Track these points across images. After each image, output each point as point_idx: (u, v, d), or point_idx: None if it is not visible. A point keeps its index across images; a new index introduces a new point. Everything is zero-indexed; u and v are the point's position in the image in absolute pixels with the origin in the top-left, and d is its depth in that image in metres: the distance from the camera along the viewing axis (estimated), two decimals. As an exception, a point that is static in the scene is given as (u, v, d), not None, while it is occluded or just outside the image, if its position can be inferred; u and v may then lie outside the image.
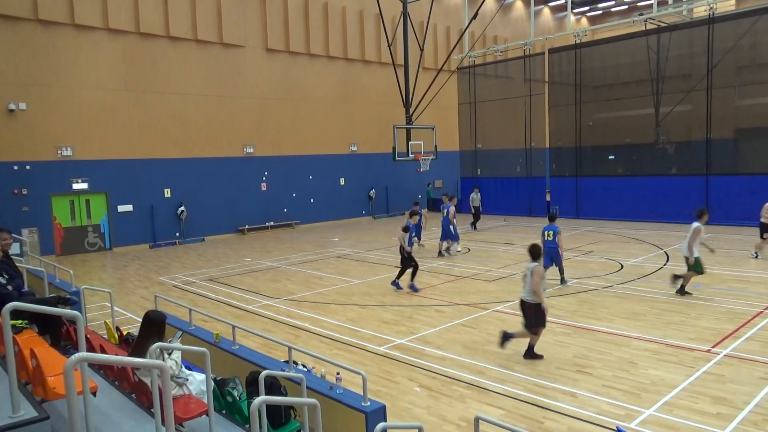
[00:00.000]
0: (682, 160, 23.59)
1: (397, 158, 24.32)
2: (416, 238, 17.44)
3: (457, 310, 11.00)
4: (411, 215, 14.67)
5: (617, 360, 8.00)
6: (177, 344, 5.11)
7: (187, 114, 22.78)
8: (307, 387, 5.39)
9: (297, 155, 26.35)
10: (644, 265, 14.59)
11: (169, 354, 4.89)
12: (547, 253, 11.47)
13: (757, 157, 22.52)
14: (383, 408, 5.44)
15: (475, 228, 22.60)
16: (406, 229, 12.88)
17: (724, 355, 7.99)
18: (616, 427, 5.86)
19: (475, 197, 22.74)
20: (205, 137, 23.36)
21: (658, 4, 23.23)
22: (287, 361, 6.39)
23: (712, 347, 8.30)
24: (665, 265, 14.47)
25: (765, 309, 10.16)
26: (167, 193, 22.45)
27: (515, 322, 10.05)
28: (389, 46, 25.37)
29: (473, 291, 12.55)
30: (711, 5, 21.53)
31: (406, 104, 25.35)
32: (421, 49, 25.55)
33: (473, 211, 22.81)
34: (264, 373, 5.04)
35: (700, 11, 24.31)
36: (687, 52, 23.10)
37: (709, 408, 6.40)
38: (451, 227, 16.77)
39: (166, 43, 22.07)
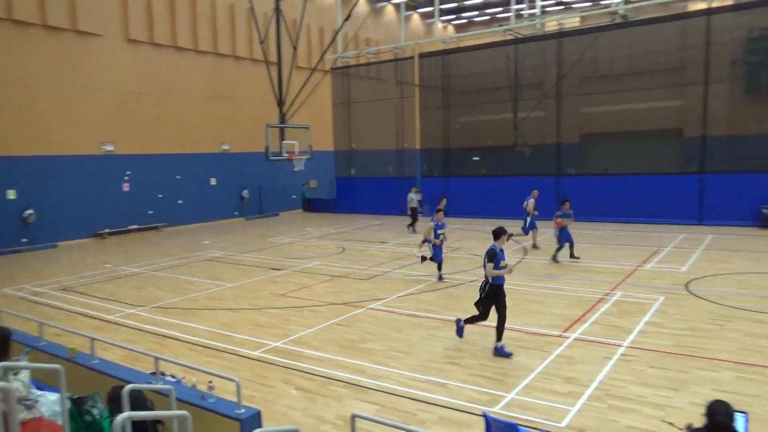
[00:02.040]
0: (537, 162, 25.67)
1: (270, 158, 23.90)
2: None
3: (333, 310, 11.08)
4: (496, 237, 8.69)
5: (482, 349, 8.53)
6: (24, 362, 4.64)
7: (35, 107, 20.57)
8: (177, 398, 5.14)
9: (163, 153, 24.91)
10: (505, 259, 15.64)
11: (15, 374, 4.43)
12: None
13: (599, 159, 25.20)
14: (258, 414, 5.34)
15: (413, 231, 21.37)
16: (492, 256, 8.40)
17: (574, 339, 8.85)
18: (483, 413, 6.25)
19: (414, 197, 21.73)
20: (57, 133, 21.28)
21: (516, 17, 25.06)
22: (154, 373, 6.05)
23: (563, 332, 9.15)
24: (523, 259, 15.67)
25: (605, 295, 11.39)
26: (11, 194, 20.13)
27: (389, 318, 10.36)
28: (261, 43, 24.85)
29: (348, 290, 12.71)
30: (560, 21, 23.69)
31: (280, 103, 25.01)
32: (294, 48, 25.34)
33: (410, 212, 21.92)
34: (128, 387, 4.73)
35: (552, 25, 26.58)
36: (540, 63, 25.19)
37: (561, 388, 7.05)
38: (529, 218, 16.78)
39: (9, 27, 19.74)
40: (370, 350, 8.69)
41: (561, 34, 23.58)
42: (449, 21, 44.08)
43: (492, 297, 8.39)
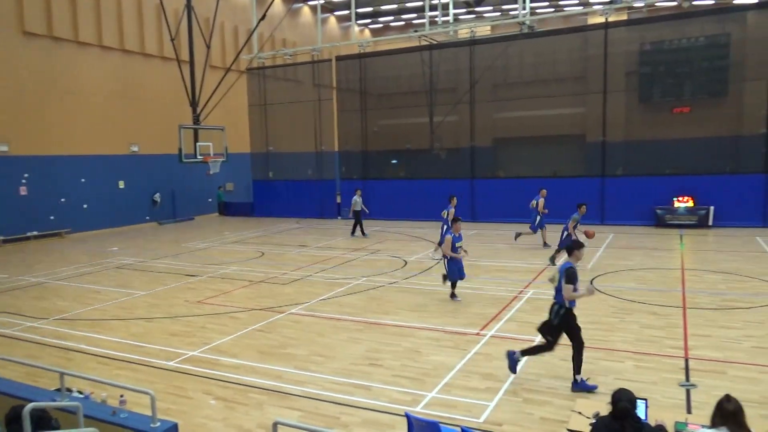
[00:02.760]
0: (452, 165, 26.39)
1: (184, 160, 23.01)
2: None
3: (253, 316, 10.85)
4: (569, 252, 7.61)
5: (404, 350, 8.67)
6: None
7: None
8: (85, 415, 4.85)
9: (65, 155, 23.32)
10: (424, 261, 16.01)
11: None
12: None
13: (510, 163, 26.30)
14: (175, 427, 5.14)
15: (359, 234, 20.75)
16: (571, 276, 7.20)
17: (490, 336, 9.18)
18: (405, 413, 6.35)
19: (358, 200, 20.89)
20: (-60, 132, 19.42)
21: (430, 23, 25.70)
22: (59, 389, 5.67)
23: (481, 330, 9.48)
24: (441, 260, 16.02)
25: (519, 293, 11.91)
26: None
27: (311, 322, 10.29)
28: (172, 40, 23.88)
29: (268, 295, 12.49)
30: (472, 29, 24.56)
31: (193, 103, 24.13)
32: (208, 47, 24.52)
33: (353, 215, 20.98)
34: (29, 406, 4.41)
35: (464, 33, 27.45)
36: (453, 69, 25.97)
37: (480, 384, 7.30)
38: (539, 217, 17.05)
39: None
40: (292, 355, 8.59)
41: (473, 42, 24.43)
42: (366, 25, 44.41)
43: (566, 323, 7.21)
